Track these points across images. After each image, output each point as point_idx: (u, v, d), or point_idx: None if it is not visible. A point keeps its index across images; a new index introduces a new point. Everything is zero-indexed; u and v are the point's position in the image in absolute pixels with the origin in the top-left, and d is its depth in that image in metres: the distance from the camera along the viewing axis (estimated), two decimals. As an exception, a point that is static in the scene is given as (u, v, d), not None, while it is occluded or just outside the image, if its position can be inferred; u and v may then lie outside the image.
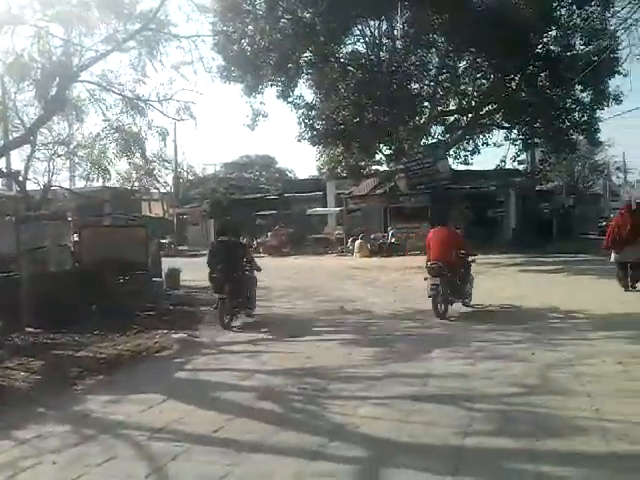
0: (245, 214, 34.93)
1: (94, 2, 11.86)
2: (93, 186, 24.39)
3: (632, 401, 5.31)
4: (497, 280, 15.62)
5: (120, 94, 14.44)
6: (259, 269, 11.02)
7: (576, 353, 7.17)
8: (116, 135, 16.42)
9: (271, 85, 25.86)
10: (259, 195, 40.80)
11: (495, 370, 6.50)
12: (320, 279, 17.43)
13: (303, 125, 26.47)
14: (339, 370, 6.78)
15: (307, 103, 26.83)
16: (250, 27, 23.66)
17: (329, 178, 34.44)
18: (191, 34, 14.07)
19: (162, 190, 43.55)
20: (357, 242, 27.06)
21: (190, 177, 48.48)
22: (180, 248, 34.01)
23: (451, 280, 10.17)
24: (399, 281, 16.25)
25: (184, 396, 5.95)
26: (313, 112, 26.44)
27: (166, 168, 39.38)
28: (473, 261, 11.08)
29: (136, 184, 35.18)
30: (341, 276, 18.25)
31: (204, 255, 11.47)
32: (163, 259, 15.59)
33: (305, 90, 28.17)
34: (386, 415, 5.18)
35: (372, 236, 28.01)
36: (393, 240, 27.79)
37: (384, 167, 31.40)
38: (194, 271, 14.07)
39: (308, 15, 23.06)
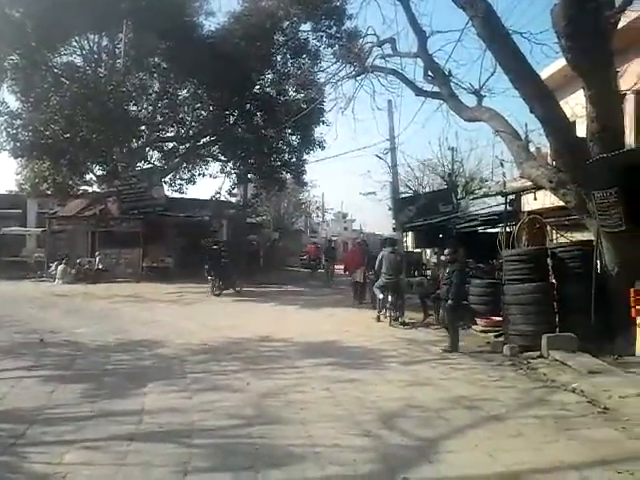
0: None
1: None
2: None
3: (338, 425, 5.67)
4: (209, 310, 15.79)
5: None
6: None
7: (288, 381, 7.48)
8: None
9: (-35, 85, 22.76)
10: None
11: (212, 402, 6.42)
12: (16, 308, 15.50)
13: (4, 134, 23.69)
14: (40, 411, 6.01)
15: (11, 110, 24.15)
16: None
17: (31, 195, 31.42)
18: None
19: None
20: (60, 267, 24.96)
21: None
22: None
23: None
24: (108, 310, 15.33)
25: None
26: (18, 121, 23.85)
27: None
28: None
29: None
30: (41, 304, 16.54)
31: None
32: None
33: (9, 96, 25.26)
34: (98, 459, 4.72)
35: (78, 261, 26.11)
36: (101, 266, 26.30)
37: (95, 188, 29.83)
38: None
39: (18, 14, 20.92)
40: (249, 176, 30.25)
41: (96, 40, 25.07)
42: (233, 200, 34.47)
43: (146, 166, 29.14)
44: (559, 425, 5.70)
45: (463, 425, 5.72)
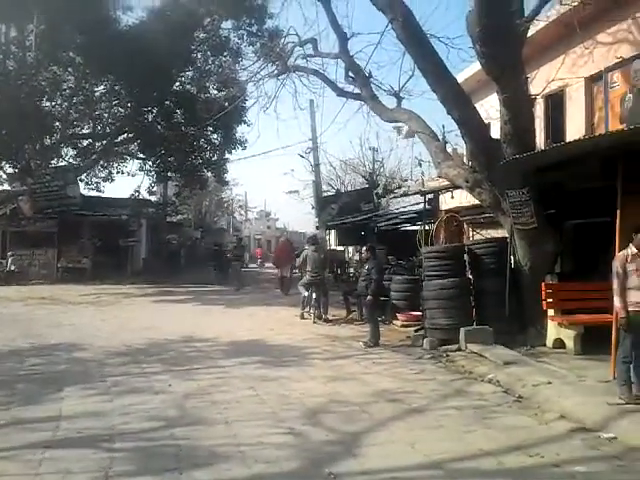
0: None
1: None
2: None
3: (263, 423, 5.67)
4: (129, 311, 15.38)
5: None
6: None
7: (211, 381, 7.40)
8: None
9: None
10: None
11: (133, 405, 6.27)
12: None
13: None
14: (-54, 422, 5.69)
15: None
16: None
17: None
18: None
19: None
20: (-32, 269, 23.73)
21: None
22: None
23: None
24: (21, 313, 14.67)
25: None
26: None
27: None
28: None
29: None
30: (-54, 308, 15.66)
31: None
32: None
33: None
34: (10, 469, 4.51)
35: (-13, 262, 24.91)
36: (13, 267, 25.15)
37: (5, 187, 28.39)
38: None
39: None
40: (169, 174, 29.61)
41: (3, 30, 23.78)
42: (153, 199, 33.68)
43: (61, 164, 28.00)
44: (477, 415, 5.93)
45: (385, 418, 5.84)
